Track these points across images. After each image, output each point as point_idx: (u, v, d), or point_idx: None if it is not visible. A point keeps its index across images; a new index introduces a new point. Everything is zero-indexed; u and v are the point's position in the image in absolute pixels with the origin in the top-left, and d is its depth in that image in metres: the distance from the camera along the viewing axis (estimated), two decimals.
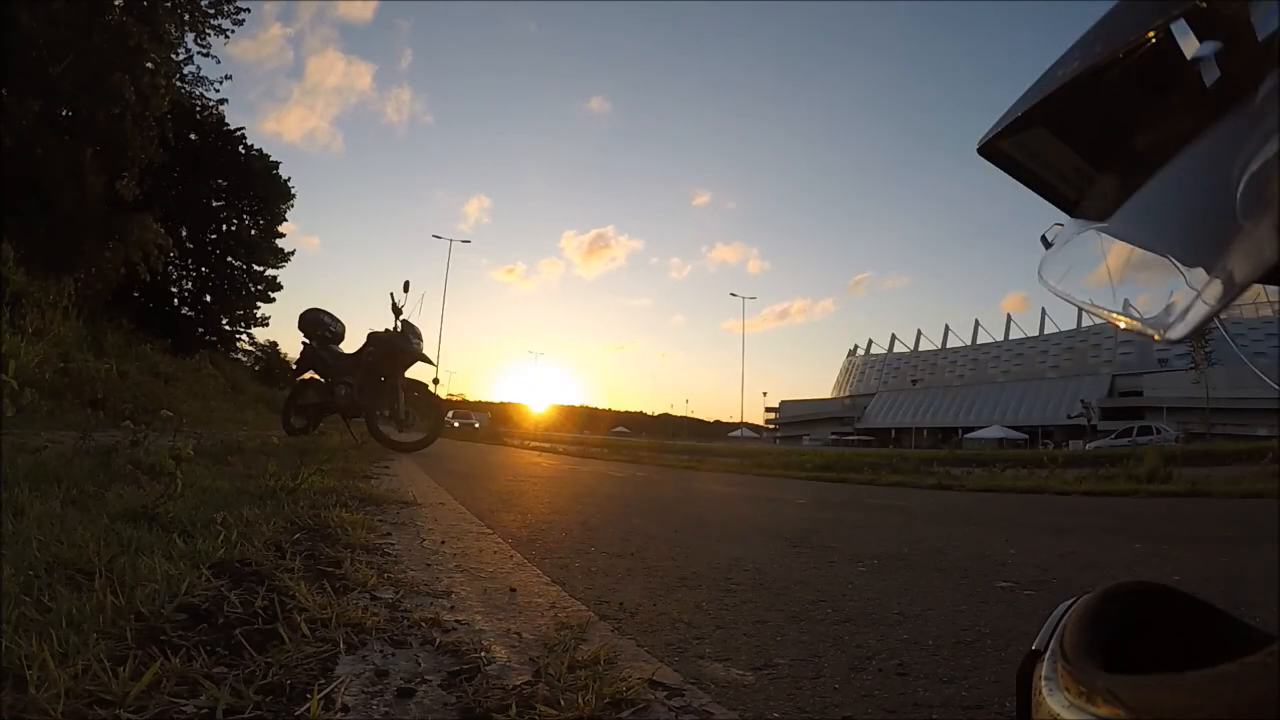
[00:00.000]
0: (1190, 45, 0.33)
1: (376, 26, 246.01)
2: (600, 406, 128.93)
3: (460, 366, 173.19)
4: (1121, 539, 3.24)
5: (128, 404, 7.47)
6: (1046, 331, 75.09)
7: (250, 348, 27.00)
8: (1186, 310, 0.31)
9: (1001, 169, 0.45)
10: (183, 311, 23.43)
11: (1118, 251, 0.41)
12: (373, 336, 7.78)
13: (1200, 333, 0.32)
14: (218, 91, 20.08)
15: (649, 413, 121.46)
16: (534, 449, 17.73)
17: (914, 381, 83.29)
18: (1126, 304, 0.39)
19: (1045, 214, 0.47)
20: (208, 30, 14.48)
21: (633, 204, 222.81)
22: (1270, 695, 0.24)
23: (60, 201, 11.68)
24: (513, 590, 1.63)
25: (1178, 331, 0.32)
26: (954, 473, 8.74)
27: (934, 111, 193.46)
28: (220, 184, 22.89)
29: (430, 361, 8.06)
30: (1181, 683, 0.27)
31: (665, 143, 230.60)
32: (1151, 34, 0.33)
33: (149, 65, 12.47)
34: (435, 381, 15.69)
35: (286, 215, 24.95)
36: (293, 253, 25.84)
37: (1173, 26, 0.33)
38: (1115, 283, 0.41)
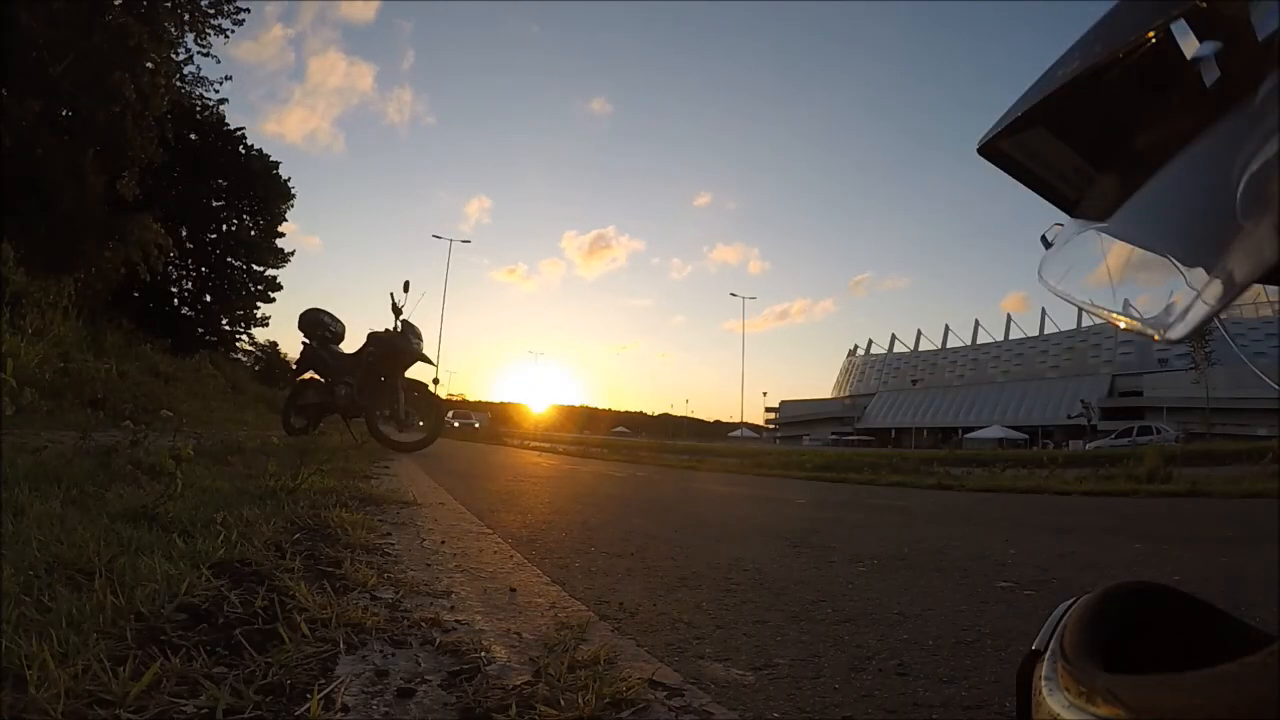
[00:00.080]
0: (1190, 45, 0.33)
1: (378, 27, 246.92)
2: (600, 406, 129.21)
3: (460, 366, 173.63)
4: (1121, 539, 3.24)
5: (128, 404, 7.47)
6: (1046, 331, 75.09)
7: (250, 348, 27.08)
8: (1186, 310, 0.31)
9: (1001, 169, 0.45)
10: (183, 311, 23.44)
11: (1118, 251, 0.41)
12: (373, 336, 7.78)
13: (1200, 333, 0.32)
14: (218, 91, 20.11)
15: (649, 413, 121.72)
16: (534, 449, 17.73)
17: (914, 381, 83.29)
18: (1126, 304, 0.39)
19: (1045, 214, 0.47)
20: (208, 30, 14.48)
21: (634, 204, 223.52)
22: (1270, 695, 0.24)
23: (60, 201, 11.69)
24: (513, 590, 1.63)
25: (1178, 331, 0.32)
26: (954, 473, 8.74)
27: (934, 111, 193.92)
28: (220, 184, 22.89)
29: (430, 361, 8.07)
30: (1181, 683, 0.27)
31: (666, 143, 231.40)
32: (1151, 34, 0.33)
33: (149, 65, 12.48)
34: (435, 381, 15.70)
35: (287, 215, 25.02)
36: (293, 253, 25.90)
37: (1173, 26, 0.33)
38: (1115, 283, 0.41)
